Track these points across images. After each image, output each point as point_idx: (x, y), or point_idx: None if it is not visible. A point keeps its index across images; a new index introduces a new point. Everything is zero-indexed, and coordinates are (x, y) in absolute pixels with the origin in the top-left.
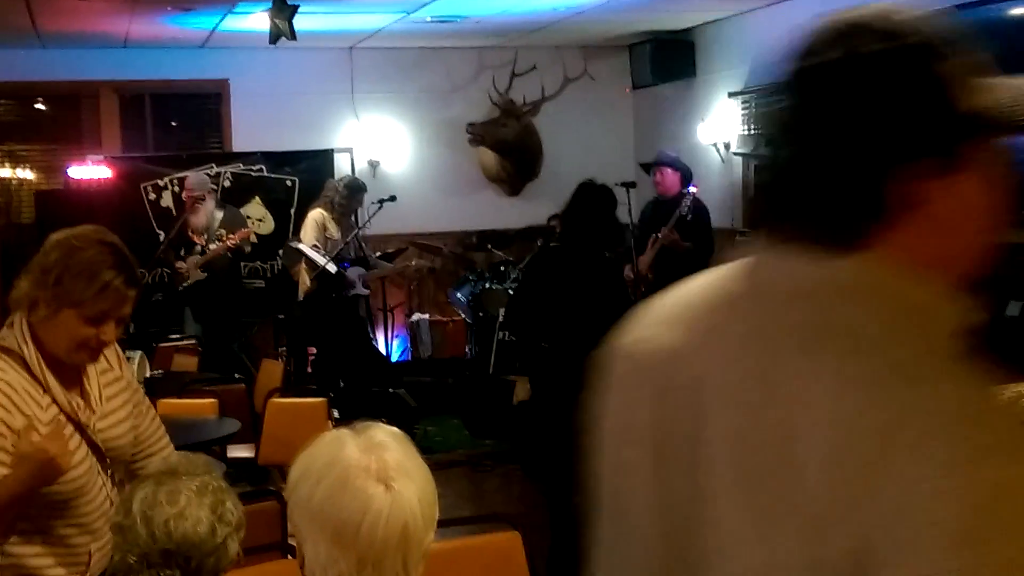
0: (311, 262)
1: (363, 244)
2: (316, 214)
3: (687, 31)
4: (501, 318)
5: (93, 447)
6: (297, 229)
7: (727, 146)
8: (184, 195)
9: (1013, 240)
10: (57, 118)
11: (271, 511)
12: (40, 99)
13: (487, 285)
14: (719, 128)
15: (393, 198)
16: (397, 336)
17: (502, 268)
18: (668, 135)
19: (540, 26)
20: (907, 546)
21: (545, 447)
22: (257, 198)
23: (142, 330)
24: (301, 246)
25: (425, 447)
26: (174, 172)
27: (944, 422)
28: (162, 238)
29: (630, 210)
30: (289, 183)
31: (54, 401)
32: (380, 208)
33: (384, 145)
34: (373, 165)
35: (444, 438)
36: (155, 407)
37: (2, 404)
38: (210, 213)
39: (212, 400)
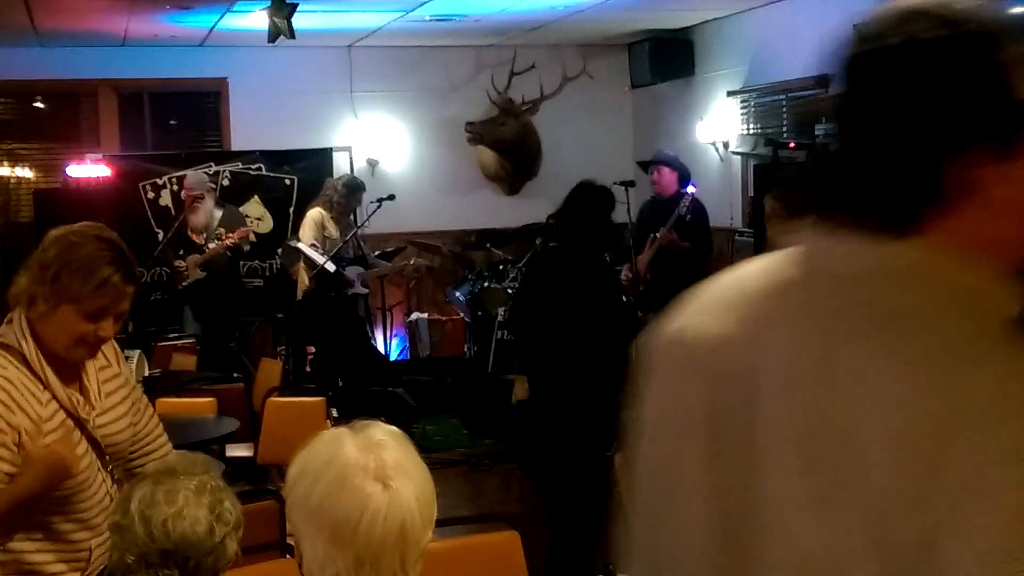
0: (310, 261)
1: (362, 243)
2: (315, 213)
3: (686, 30)
4: (500, 317)
5: (93, 443)
6: (296, 228)
7: (726, 145)
8: (183, 194)
9: None
10: (56, 117)
11: (270, 510)
12: (39, 98)
13: (486, 284)
14: (718, 127)
15: (392, 197)
16: (396, 335)
17: (501, 267)
18: (667, 134)
19: (539, 25)
20: (972, 529)
21: (544, 446)
22: (256, 197)
23: (140, 329)
24: (300, 245)
25: (424, 446)
26: (173, 171)
27: (1007, 405)
28: (161, 237)
29: (629, 209)
30: (288, 182)
31: (54, 397)
32: (379, 207)
33: (383, 144)
34: (372, 164)
35: (443, 437)
36: (154, 406)
37: (2, 400)
38: (209, 212)
39: (211, 399)
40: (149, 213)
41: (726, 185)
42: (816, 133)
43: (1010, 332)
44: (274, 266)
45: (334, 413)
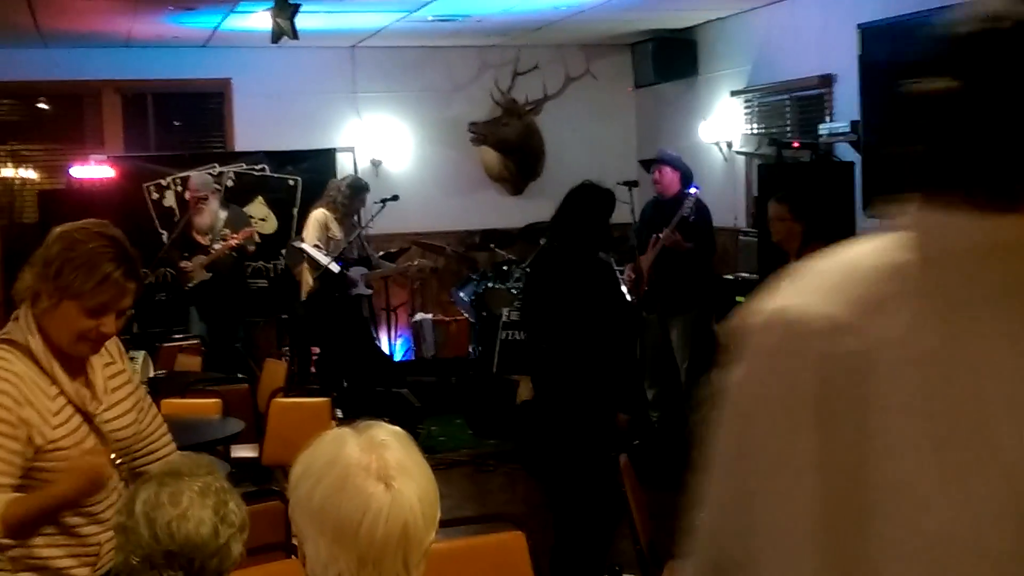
0: (314, 262)
1: (366, 244)
2: (319, 214)
3: (689, 30)
4: (504, 317)
5: (100, 438)
6: (300, 229)
7: (729, 145)
8: (188, 195)
9: None
10: (59, 118)
11: (275, 511)
12: (43, 99)
13: (490, 284)
14: (721, 127)
15: (395, 197)
16: (400, 336)
17: (505, 267)
18: (670, 134)
19: (542, 25)
20: None
21: (548, 447)
22: (260, 198)
23: (145, 330)
24: (304, 246)
25: (428, 447)
26: (176, 172)
27: None
28: (165, 238)
29: (632, 209)
30: (292, 182)
31: (61, 392)
32: (383, 208)
33: (386, 144)
34: (375, 164)
35: (448, 438)
36: (159, 407)
37: (11, 395)
38: (214, 213)
39: (216, 400)
40: (153, 214)
41: (730, 185)
42: (819, 133)
43: None
44: (278, 267)
45: (339, 414)
